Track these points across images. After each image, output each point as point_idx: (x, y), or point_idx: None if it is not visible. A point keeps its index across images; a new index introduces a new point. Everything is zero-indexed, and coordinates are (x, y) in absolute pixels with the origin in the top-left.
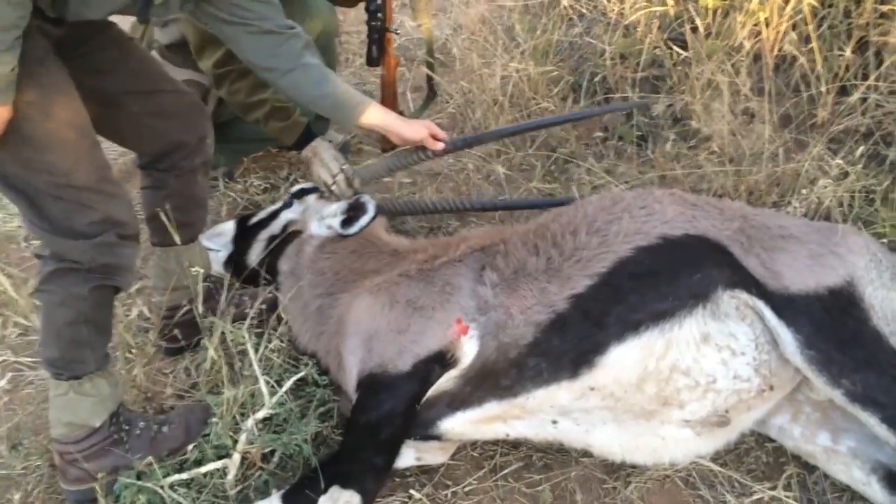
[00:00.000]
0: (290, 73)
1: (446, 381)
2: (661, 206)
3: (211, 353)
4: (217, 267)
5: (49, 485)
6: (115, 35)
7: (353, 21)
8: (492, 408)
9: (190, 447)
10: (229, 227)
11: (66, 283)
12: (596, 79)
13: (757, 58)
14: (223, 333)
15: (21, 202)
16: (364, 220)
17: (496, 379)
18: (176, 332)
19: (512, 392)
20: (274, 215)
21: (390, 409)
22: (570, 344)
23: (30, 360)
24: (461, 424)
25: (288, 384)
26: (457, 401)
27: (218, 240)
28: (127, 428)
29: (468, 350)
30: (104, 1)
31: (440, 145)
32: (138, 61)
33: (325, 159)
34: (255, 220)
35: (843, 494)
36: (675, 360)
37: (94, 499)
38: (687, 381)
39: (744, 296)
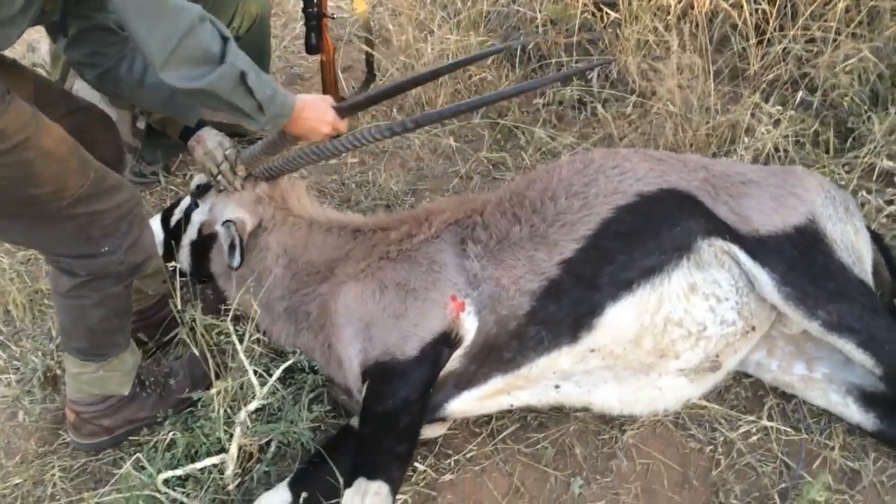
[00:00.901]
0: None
1: (452, 362)
2: (631, 164)
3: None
4: None
5: (35, 499)
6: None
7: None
8: (496, 383)
9: (196, 395)
10: (156, 227)
11: (101, 286)
12: (529, 46)
13: (683, 16)
14: (196, 327)
15: (36, 241)
16: (236, 249)
17: (499, 353)
18: (140, 334)
19: (515, 364)
20: (187, 217)
21: (406, 395)
22: (566, 309)
23: None
24: (467, 403)
25: (278, 372)
26: (463, 380)
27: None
28: (139, 385)
29: (469, 327)
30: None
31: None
32: (40, 86)
33: (208, 147)
34: (174, 220)
35: (821, 418)
36: (668, 313)
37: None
38: (680, 331)
39: (719, 242)
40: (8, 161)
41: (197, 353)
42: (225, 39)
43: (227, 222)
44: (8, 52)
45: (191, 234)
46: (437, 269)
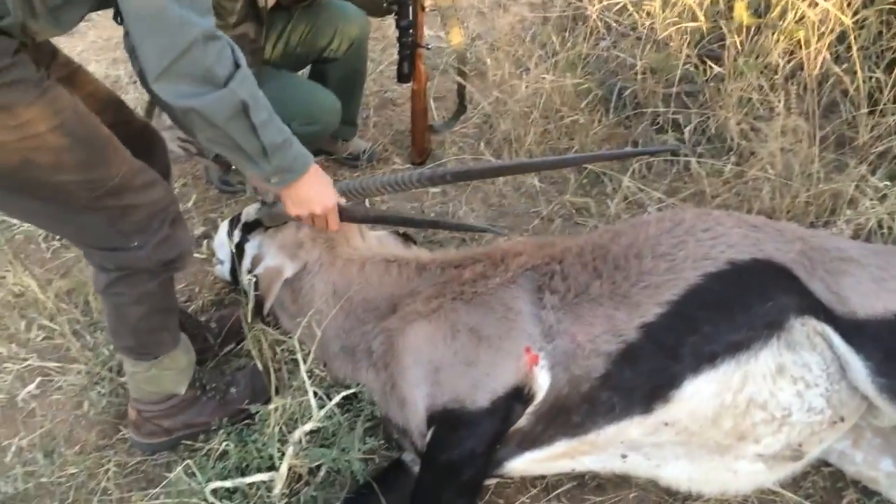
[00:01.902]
0: None
1: (520, 419)
2: (724, 229)
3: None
4: (226, 277)
5: (88, 491)
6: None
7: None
8: (561, 446)
9: (254, 408)
10: (223, 237)
11: (135, 283)
12: (625, 93)
13: (790, 77)
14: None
15: (66, 231)
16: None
17: (567, 415)
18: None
19: (583, 429)
20: (241, 247)
21: (472, 447)
22: (643, 377)
23: (56, 364)
24: (528, 463)
25: (338, 398)
26: (527, 440)
27: (221, 251)
28: (200, 388)
29: (542, 382)
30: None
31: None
32: (92, 92)
33: None
34: (236, 239)
35: None
36: (751, 394)
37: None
38: (763, 415)
39: (813, 322)
40: (38, 145)
41: (260, 366)
42: (237, 66)
43: (251, 274)
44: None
45: (246, 264)
46: (511, 316)
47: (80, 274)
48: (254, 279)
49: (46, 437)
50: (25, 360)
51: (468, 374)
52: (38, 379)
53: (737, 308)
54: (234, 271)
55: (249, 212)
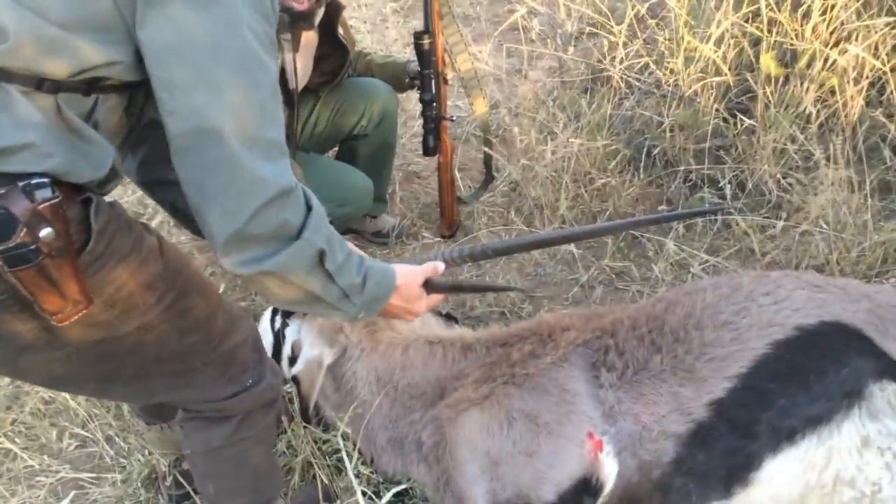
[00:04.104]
0: None
1: None
2: (786, 292)
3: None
4: None
5: None
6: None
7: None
8: None
9: None
10: (266, 325)
11: (258, 421)
12: (655, 151)
13: (825, 124)
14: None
15: (180, 398)
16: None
17: None
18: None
19: None
20: (282, 333)
21: None
22: (717, 459)
23: (90, 474)
24: None
25: (388, 496)
26: None
27: (265, 339)
28: None
29: (609, 471)
30: None
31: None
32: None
33: None
34: (277, 325)
35: None
36: (838, 471)
37: None
38: (852, 493)
39: (893, 386)
40: (171, 314)
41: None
42: (309, 209)
43: (294, 378)
44: None
45: (286, 351)
46: (569, 398)
47: None
48: (287, 364)
49: None
50: (58, 471)
51: (530, 466)
52: (73, 493)
53: (812, 377)
54: (279, 356)
55: None
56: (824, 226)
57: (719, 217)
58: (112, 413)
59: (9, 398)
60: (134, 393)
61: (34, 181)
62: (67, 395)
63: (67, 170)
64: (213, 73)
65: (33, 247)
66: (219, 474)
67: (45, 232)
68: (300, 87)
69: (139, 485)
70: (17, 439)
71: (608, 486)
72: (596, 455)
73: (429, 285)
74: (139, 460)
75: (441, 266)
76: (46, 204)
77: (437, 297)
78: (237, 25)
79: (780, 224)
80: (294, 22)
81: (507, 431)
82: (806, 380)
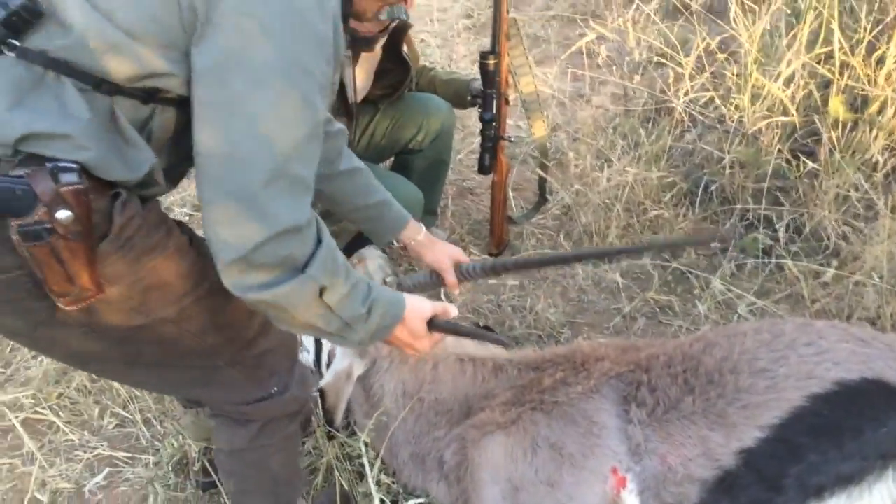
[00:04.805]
0: (337, 178)
1: None
2: (829, 344)
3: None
4: (311, 367)
5: None
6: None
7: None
8: None
9: None
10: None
11: (279, 429)
12: (712, 187)
13: (892, 173)
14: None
15: (204, 397)
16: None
17: None
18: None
19: None
20: (319, 341)
21: None
22: None
23: (125, 454)
24: None
25: None
26: None
27: (307, 339)
28: None
29: None
30: None
31: (454, 284)
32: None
33: (369, 269)
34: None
35: None
36: None
37: None
38: None
39: None
40: (194, 312)
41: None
42: (319, 242)
43: (320, 391)
44: None
45: (324, 357)
46: (596, 431)
47: None
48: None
49: None
50: (95, 448)
51: (551, 496)
52: (107, 470)
53: (847, 435)
54: (319, 360)
55: None
56: (877, 278)
57: (772, 260)
58: (153, 397)
59: (58, 372)
60: (157, 381)
61: (61, 164)
62: None
63: (99, 164)
64: (251, 103)
65: (48, 226)
66: (240, 474)
67: (64, 215)
68: (359, 98)
69: (169, 468)
70: (61, 413)
71: None
72: (619, 492)
73: (431, 324)
74: (172, 444)
75: (453, 311)
76: (70, 188)
77: (437, 337)
78: (293, 64)
79: (831, 272)
80: (355, 42)
81: (531, 459)
82: (840, 437)
